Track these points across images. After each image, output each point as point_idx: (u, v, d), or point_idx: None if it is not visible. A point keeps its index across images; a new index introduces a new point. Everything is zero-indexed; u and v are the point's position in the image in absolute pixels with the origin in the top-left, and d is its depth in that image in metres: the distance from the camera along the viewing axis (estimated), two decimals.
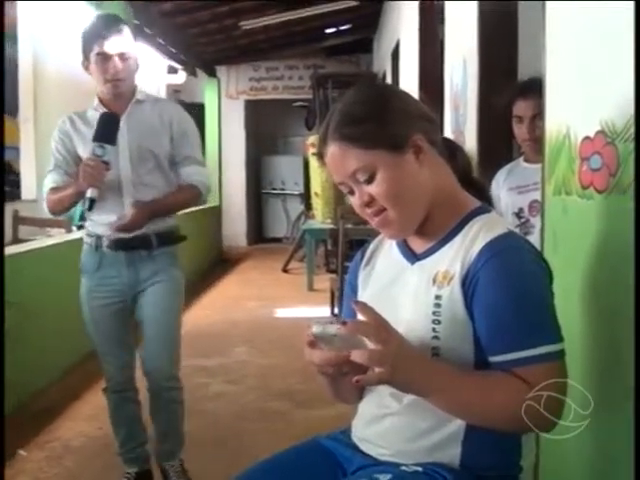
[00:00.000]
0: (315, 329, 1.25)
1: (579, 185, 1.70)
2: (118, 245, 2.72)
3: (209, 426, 3.76)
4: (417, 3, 5.16)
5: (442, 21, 4.25)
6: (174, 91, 11.25)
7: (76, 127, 2.76)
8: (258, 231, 12.68)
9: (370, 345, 1.22)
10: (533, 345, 1.25)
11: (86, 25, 2.70)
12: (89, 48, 2.63)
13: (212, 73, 11.11)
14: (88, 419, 3.74)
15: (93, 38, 2.62)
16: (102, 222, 2.72)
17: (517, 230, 2.42)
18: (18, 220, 6.24)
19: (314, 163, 8.56)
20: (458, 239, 1.37)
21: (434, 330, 1.32)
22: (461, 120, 3.66)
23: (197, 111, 10.67)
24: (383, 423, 1.42)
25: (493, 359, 1.29)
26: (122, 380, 2.83)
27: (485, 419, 1.29)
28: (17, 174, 6.80)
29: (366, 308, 1.25)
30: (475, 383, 1.28)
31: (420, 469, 1.34)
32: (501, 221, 1.42)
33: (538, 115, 2.48)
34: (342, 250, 5.52)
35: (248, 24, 7.99)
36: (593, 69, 1.63)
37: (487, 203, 1.49)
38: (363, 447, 1.47)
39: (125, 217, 2.65)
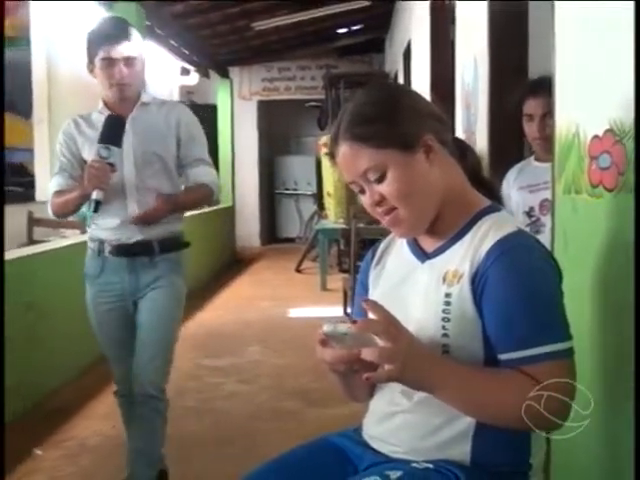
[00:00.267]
0: (326, 328, 1.27)
1: (589, 184, 1.71)
2: (120, 251, 2.70)
3: (221, 425, 3.79)
4: (428, 3, 5.15)
5: (453, 21, 4.25)
6: (187, 92, 11.30)
7: (81, 130, 2.74)
8: (271, 231, 12.70)
9: (380, 343, 1.24)
10: (542, 343, 1.26)
11: (92, 28, 2.66)
12: (94, 52, 2.61)
13: (225, 74, 11.14)
14: (103, 418, 3.77)
15: (98, 43, 2.59)
16: (105, 226, 2.71)
17: (528, 229, 2.42)
18: (33, 222, 6.28)
19: (326, 163, 8.55)
20: (468, 238, 1.39)
21: (444, 328, 1.34)
22: (472, 119, 3.66)
23: (210, 112, 10.75)
24: (394, 420, 1.44)
25: (502, 357, 1.30)
26: (130, 385, 2.77)
27: (494, 416, 1.30)
28: (31, 176, 6.86)
29: (376, 306, 1.27)
30: (484, 380, 1.29)
31: (431, 466, 1.35)
32: (511, 220, 1.43)
33: (548, 113, 2.49)
34: (354, 250, 5.53)
35: (260, 25, 8.01)
36: (601, 68, 1.64)
37: (497, 202, 1.50)
38: (374, 445, 1.49)
39: (148, 208, 2.65)
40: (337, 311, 6.34)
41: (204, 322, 6.47)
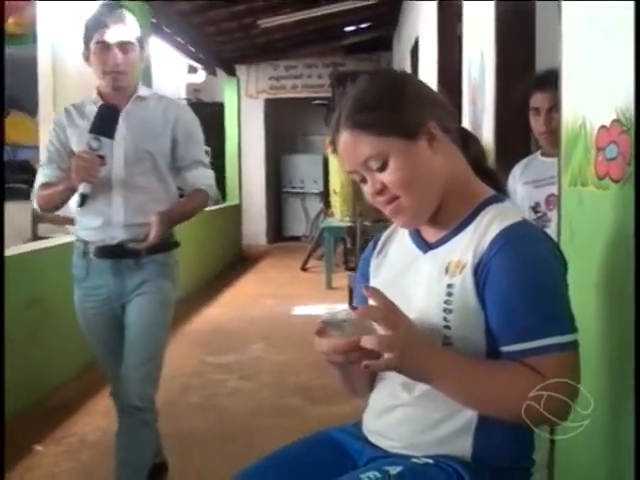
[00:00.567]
0: (324, 316, 1.24)
1: (595, 175, 1.67)
2: (104, 253, 2.53)
3: (223, 422, 3.78)
4: (436, 2, 5.14)
5: (460, 19, 4.23)
6: (194, 90, 11.30)
7: (72, 119, 2.59)
8: (278, 230, 12.68)
9: (380, 331, 1.21)
10: (546, 335, 1.22)
11: (90, 13, 2.53)
12: (89, 36, 2.48)
13: (231, 72, 11.12)
14: (104, 414, 3.72)
15: (94, 26, 2.47)
16: (88, 226, 2.56)
17: None
18: (37, 218, 6.28)
19: (333, 161, 8.54)
20: (471, 228, 1.36)
21: (445, 320, 1.31)
22: (479, 114, 3.63)
23: (217, 110, 10.74)
24: (394, 414, 1.41)
25: (505, 349, 1.27)
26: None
27: (495, 409, 1.27)
28: (36, 173, 6.84)
29: (376, 293, 1.24)
30: (486, 372, 1.26)
31: (431, 461, 1.32)
32: (515, 210, 1.40)
33: (555, 107, 2.46)
34: (360, 247, 5.50)
35: (266, 22, 7.98)
36: (608, 59, 1.61)
37: (501, 193, 1.47)
38: (373, 439, 1.46)
39: (151, 232, 2.45)
40: (342, 309, 6.26)
41: (209, 319, 6.46)
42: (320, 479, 1.42)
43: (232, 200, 10.91)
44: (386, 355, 1.20)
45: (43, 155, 2.66)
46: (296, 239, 12.31)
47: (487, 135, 3.35)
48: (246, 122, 11.36)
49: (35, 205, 2.64)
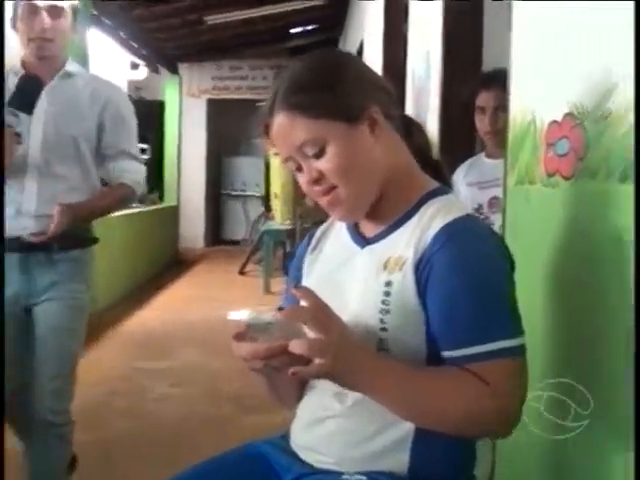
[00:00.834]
0: (247, 317, 1.11)
1: (544, 173, 1.58)
2: (12, 246, 2.23)
3: (152, 429, 3.62)
4: (382, 2, 5.07)
5: (406, 19, 4.16)
6: (135, 87, 11.03)
7: None
8: (216, 233, 12.46)
9: (310, 334, 1.08)
10: (491, 339, 1.11)
11: None
12: (18, 2, 2.24)
13: (174, 70, 10.93)
14: None
15: None
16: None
17: None
18: None
19: (275, 163, 8.44)
20: (413, 221, 1.24)
21: (382, 321, 1.19)
22: (423, 114, 3.55)
23: (158, 109, 10.54)
24: (325, 426, 1.27)
25: (447, 354, 1.15)
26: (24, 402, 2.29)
27: (436, 421, 1.15)
28: None
29: (307, 292, 1.11)
30: (426, 380, 1.14)
31: (364, 478, 1.20)
32: (459, 204, 1.30)
33: (501, 107, 2.42)
34: None
35: (212, 19, 7.81)
36: (560, 53, 1.52)
37: (446, 186, 1.36)
38: (301, 454, 1.33)
39: (50, 223, 2.19)
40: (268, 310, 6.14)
41: (141, 323, 6.26)
42: None
43: (170, 201, 10.70)
44: (317, 361, 1.07)
45: None
46: (235, 243, 12.12)
47: (431, 135, 3.26)
48: (187, 122, 11.18)
49: None
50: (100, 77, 2.61)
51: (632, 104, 1.18)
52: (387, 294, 1.19)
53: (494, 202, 2.46)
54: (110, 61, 8.97)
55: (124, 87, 10.43)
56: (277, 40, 10.25)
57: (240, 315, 1.16)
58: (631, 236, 1.11)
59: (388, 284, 1.20)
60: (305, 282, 1.37)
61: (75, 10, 2.34)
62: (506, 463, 1.64)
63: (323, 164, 1.21)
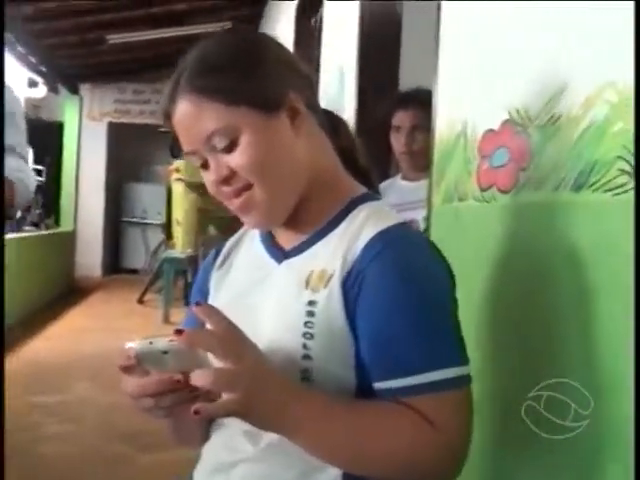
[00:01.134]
0: (137, 345, 0.89)
1: (477, 187, 1.46)
2: None
3: (40, 471, 3.34)
4: (292, 25, 4.97)
5: (319, 42, 4.05)
6: (33, 106, 10.52)
7: None
8: (115, 261, 11.97)
9: (216, 362, 0.88)
10: (435, 366, 0.94)
11: None
12: None
13: (74, 90, 10.51)
14: None
15: None
16: None
17: None
18: None
19: (178, 189, 8.18)
20: (339, 230, 1.07)
21: (305, 347, 1.00)
22: None
23: (56, 130, 10.11)
24: (234, 472, 1.06)
25: (380, 385, 0.97)
26: None
27: (369, 466, 0.96)
28: None
29: (212, 311, 0.90)
30: (361, 417, 0.95)
31: None
32: (392, 212, 1.13)
33: (418, 127, 2.35)
34: None
35: (115, 38, 7.52)
36: (496, 59, 1.41)
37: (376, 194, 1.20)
38: None
39: None
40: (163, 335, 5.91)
41: (31, 354, 5.86)
42: None
43: (66, 226, 10.24)
44: (225, 396, 0.87)
45: None
46: (134, 272, 11.66)
47: None
48: (87, 145, 10.72)
49: None
50: None
51: (587, 104, 1.06)
52: (310, 314, 1.01)
53: (413, 225, 2.34)
54: (7, 76, 8.55)
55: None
56: None
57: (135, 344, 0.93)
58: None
59: (311, 303, 1.01)
60: (213, 304, 1.16)
61: None
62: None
63: (235, 159, 1.02)
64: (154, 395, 0.90)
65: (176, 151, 10.35)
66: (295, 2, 4.98)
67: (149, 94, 11.00)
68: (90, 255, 11.01)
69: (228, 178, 1.03)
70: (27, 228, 8.43)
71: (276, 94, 1.03)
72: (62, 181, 10.24)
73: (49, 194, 9.78)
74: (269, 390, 0.90)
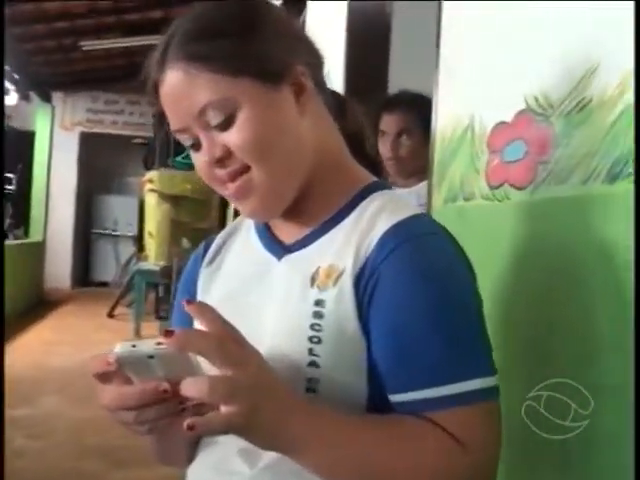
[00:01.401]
0: (119, 348, 0.75)
1: (486, 185, 1.35)
2: None
3: None
4: None
5: None
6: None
7: None
8: (84, 273, 11.77)
9: (212, 370, 0.75)
10: (462, 377, 0.83)
11: None
12: None
13: (47, 98, 10.32)
14: None
15: None
16: None
17: None
18: None
19: (151, 200, 8.04)
20: (349, 222, 0.95)
21: (311, 352, 0.87)
22: None
23: (27, 139, 9.91)
24: None
25: (398, 397, 0.85)
26: None
27: None
28: None
29: (206, 310, 0.77)
30: (374, 435, 0.83)
31: None
32: (408, 202, 1.01)
33: (405, 132, 2.27)
34: (175, 290, 4.98)
35: (89, 45, 7.36)
36: (508, 43, 1.32)
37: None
38: None
39: None
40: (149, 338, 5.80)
41: None
42: None
43: (36, 237, 10.02)
44: (225, 408, 0.74)
45: None
46: (104, 285, 11.48)
47: None
48: (58, 155, 10.56)
49: None
50: None
51: (623, 85, 0.95)
52: (318, 316, 0.89)
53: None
54: None
55: None
56: None
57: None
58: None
59: (319, 303, 0.89)
60: None
61: None
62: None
63: (231, 137, 0.89)
64: (135, 407, 0.77)
65: (150, 162, 10.23)
66: (279, 3, 4.89)
67: (122, 104, 10.86)
68: (60, 267, 10.82)
69: (223, 159, 0.91)
70: None
71: (280, 65, 0.91)
72: (32, 191, 10.03)
73: (19, 204, 9.57)
74: (273, 402, 0.77)
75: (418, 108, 2.27)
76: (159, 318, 7.43)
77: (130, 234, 11.66)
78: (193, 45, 0.89)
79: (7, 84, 8.90)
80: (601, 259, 0.99)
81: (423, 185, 2.02)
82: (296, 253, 0.97)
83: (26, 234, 9.86)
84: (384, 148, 2.35)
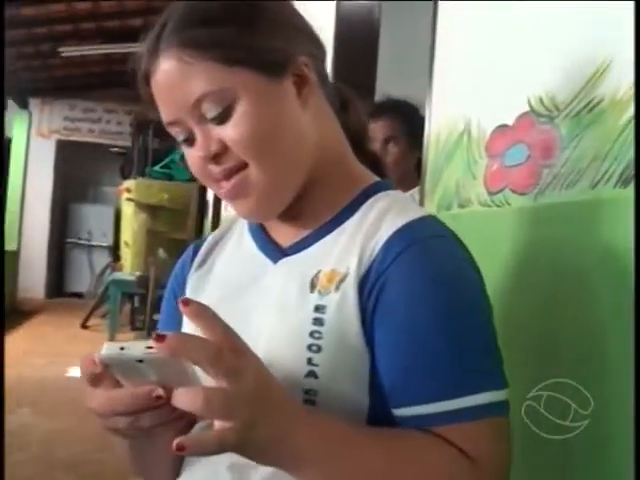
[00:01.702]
0: (106, 350, 0.69)
1: (485, 191, 1.30)
2: None
3: None
4: None
5: None
6: None
7: None
8: (59, 283, 11.57)
9: (206, 379, 0.69)
10: (473, 389, 0.77)
11: None
12: None
13: (24, 105, 10.20)
14: None
15: None
16: None
17: None
18: None
19: (127, 210, 7.95)
20: (352, 223, 0.89)
21: (310, 362, 0.82)
22: None
23: (2, 146, 9.76)
24: None
25: (404, 411, 0.80)
26: None
27: None
28: None
29: (205, 312, 0.69)
30: (381, 449, 0.76)
31: None
32: (414, 203, 0.96)
33: (392, 139, 2.25)
34: (153, 300, 4.86)
35: (68, 51, 7.26)
36: (508, 43, 1.28)
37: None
38: None
39: None
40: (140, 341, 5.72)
41: None
42: None
43: (9, 245, 9.86)
44: (219, 424, 0.67)
45: None
46: (79, 295, 11.30)
47: None
48: (34, 163, 10.41)
49: None
50: None
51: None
52: (318, 322, 0.83)
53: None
54: None
55: None
56: (135, 84, 9.76)
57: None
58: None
59: (319, 309, 0.84)
60: None
61: None
62: None
63: (228, 131, 0.83)
64: (127, 413, 0.71)
65: (127, 171, 10.13)
66: None
67: (100, 112, 10.75)
68: (33, 277, 10.64)
69: (218, 155, 0.85)
70: None
71: (282, 56, 0.86)
72: (6, 199, 9.88)
73: None
74: (273, 415, 0.70)
75: (404, 115, 2.25)
76: (134, 329, 7.33)
77: (105, 244, 11.52)
78: (189, 31, 0.83)
79: None
80: (609, 263, 0.95)
81: (415, 192, 1.98)
82: (293, 256, 0.92)
83: None
84: None
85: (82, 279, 11.58)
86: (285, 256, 0.93)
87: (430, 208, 1.56)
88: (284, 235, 0.95)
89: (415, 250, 0.81)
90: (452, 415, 0.77)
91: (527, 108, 1.16)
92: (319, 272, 0.86)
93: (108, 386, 0.72)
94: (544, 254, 1.11)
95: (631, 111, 0.92)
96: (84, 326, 8.50)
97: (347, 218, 0.90)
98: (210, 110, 0.83)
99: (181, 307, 0.68)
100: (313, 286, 0.86)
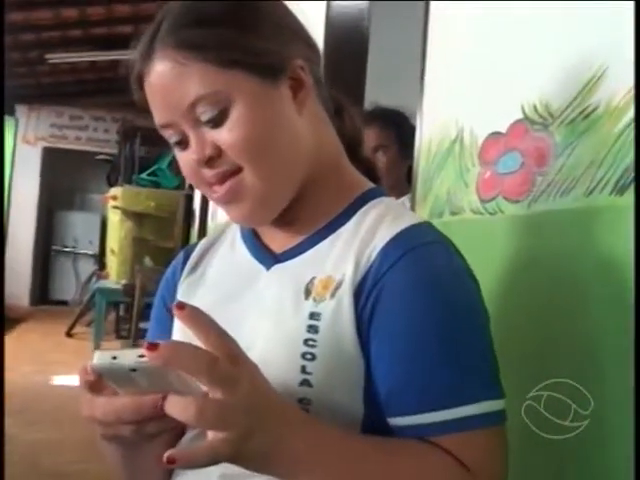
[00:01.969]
0: (97, 360, 0.67)
1: (477, 198, 1.30)
2: None
3: None
4: None
5: None
6: None
7: None
8: (43, 291, 11.50)
9: (200, 387, 0.67)
10: (471, 399, 0.76)
11: None
12: None
13: (10, 111, 10.14)
14: None
15: None
16: None
17: None
18: None
19: (114, 217, 7.92)
20: (347, 230, 0.88)
21: (304, 370, 0.80)
22: None
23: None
24: None
25: (400, 421, 0.79)
26: None
27: None
28: None
29: (199, 316, 0.67)
30: (379, 458, 0.75)
31: None
32: (409, 210, 0.95)
33: (381, 148, 2.24)
34: (138, 308, 4.82)
35: (55, 58, 7.23)
36: (502, 50, 1.27)
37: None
38: None
39: None
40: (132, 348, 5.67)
41: None
42: None
43: None
44: (212, 435, 0.66)
45: None
46: (63, 303, 11.22)
47: None
48: (20, 169, 10.35)
49: None
50: None
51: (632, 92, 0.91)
52: (312, 330, 0.82)
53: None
54: None
55: None
56: (123, 91, 9.71)
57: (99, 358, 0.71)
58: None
59: (314, 316, 0.82)
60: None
61: None
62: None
63: (223, 135, 0.82)
64: (132, 422, 0.70)
65: (113, 179, 10.09)
66: None
67: (87, 120, 10.72)
68: (18, 284, 10.53)
69: (212, 158, 0.84)
70: None
71: (278, 59, 0.85)
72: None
73: None
74: (269, 424, 0.69)
75: (394, 124, 2.25)
76: (119, 337, 7.29)
77: (91, 252, 11.46)
78: (184, 32, 0.82)
79: None
80: (604, 271, 0.94)
81: (405, 199, 1.97)
82: (287, 262, 0.91)
83: None
84: None
85: (67, 287, 11.51)
86: (278, 262, 0.91)
87: (421, 216, 1.55)
88: (277, 241, 0.94)
89: (411, 257, 0.81)
90: (449, 425, 0.76)
91: (521, 115, 1.16)
92: (314, 278, 0.85)
93: (110, 393, 0.71)
94: (538, 262, 1.10)
95: (627, 118, 0.91)
96: (69, 334, 8.45)
97: (342, 224, 0.89)
98: (205, 113, 0.82)
99: (175, 311, 0.66)
100: (308, 293, 0.85)
